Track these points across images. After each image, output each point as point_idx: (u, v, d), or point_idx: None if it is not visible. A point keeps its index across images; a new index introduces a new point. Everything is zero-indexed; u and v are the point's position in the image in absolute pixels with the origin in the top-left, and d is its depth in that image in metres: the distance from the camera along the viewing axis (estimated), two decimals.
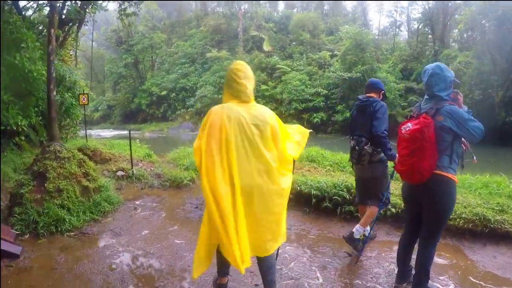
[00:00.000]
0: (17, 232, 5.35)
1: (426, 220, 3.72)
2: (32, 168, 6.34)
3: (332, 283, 4.34)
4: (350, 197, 6.52)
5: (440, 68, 3.65)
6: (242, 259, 3.03)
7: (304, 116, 35.78)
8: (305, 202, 6.87)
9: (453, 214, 5.53)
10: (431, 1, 38.68)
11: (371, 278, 4.50)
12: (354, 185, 6.41)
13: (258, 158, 3.12)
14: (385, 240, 5.68)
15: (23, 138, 10.86)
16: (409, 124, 3.61)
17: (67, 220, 5.77)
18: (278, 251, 3.73)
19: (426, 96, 3.78)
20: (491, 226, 5.44)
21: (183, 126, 38.63)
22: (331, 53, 41.60)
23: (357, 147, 5.04)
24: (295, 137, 3.59)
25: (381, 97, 5.23)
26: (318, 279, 4.42)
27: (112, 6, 30.71)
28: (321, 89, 36.76)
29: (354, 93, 33.27)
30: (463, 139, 3.70)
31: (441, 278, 4.46)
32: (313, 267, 4.74)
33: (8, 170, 8.19)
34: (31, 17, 13.50)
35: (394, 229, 5.97)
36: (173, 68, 46.98)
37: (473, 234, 5.53)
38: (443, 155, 3.51)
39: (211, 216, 2.97)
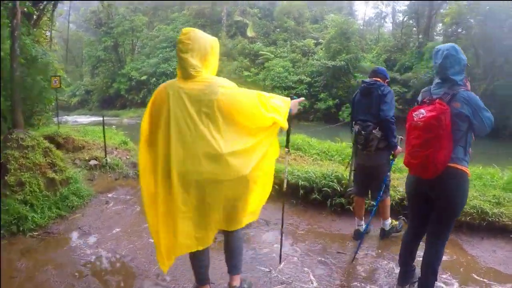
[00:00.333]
0: None
1: (437, 216, 3.41)
2: None
3: (327, 287, 3.98)
4: (341, 189, 6.15)
5: (455, 49, 3.32)
6: (164, 256, 2.91)
7: None
8: (291, 193, 6.41)
9: None
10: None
11: (370, 279, 4.19)
12: (345, 175, 6.23)
13: (203, 141, 2.72)
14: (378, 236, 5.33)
15: None
16: (422, 110, 3.22)
17: (30, 218, 5.19)
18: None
19: (437, 80, 3.42)
20: (489, 219, 5.32)
21: None
22: (315, 41, 41.41)
23: (363, 132, 4.68)
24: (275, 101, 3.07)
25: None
26: (312, 283, 4.04)
27: None
28: (304, 77, 36.61)
29: (338, 81, 33.31)
30: None
31: (444, 276, 4.22)
32: (305, 268, 4.35)
33: None
34: None
35: None
36: (154, 52, 45.89)
37: (470, 227, 5.36)
38: (457, 145, 3.20)
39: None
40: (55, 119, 13.90)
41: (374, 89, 4.74)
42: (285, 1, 47.28)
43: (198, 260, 3.23)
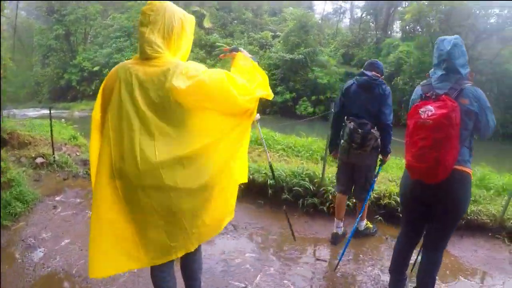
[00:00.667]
0: None
1: (439, 222, 3.13)
2: None
3: None
4: (314, 188, 5.78)
5: (460, 40, 3.06)
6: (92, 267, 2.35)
7: None
8: (258, 193, 6.04)
9: None
10: None
11: None
12: (316, 173, 5.96)
13: (152, 136, 2.21)
14: (360, 240, 4.99)
15: None
16: (429, 107, 2.83)
17: None
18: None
19: (441, 72, 3.07)
20: (468, 217, 5.32)
21: None
22: (273, 33, 41.16)
23: (360, 130, 4.30)
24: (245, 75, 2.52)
25: None
26: None
27: None
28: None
29: (295, 74, 33.17)
30: None
31: None
32: (285, 281, 3.97)
33: None
34: None
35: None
36: (107, 42, 44.22)
37: None
38: (463, 146, 2.95)
39: None
40: (4, 112, 12.97)
41: (375, 85, 4.42)
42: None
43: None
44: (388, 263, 3.77)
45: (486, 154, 13.35)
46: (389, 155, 4.63)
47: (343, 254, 4.30)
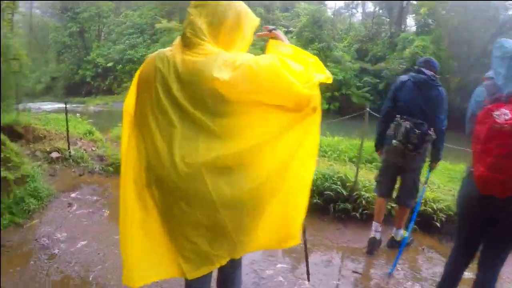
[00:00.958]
0: None
1: (503, 239, 2.78)
2: None
3: None
4: (346, 193, 5.40)
5: None
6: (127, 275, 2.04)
7: None
8: None
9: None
10: None
11: None
12: (349, 176, 5.59)
13: (193, 133, 1.85)
14: (395, 251, 4.44)
15: None
16: (504, 110, 2.41)
17: None
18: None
19: (506, 71, 2.62)
20: None
21: None
22: (286, 29, 40.56)
23: (417, 130, 3.94)
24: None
25: None
26: None
27: None
28: None
29: None
30: None
31: None
32: None
33: None
34: None
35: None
36: (121, 39, 44.53)
37: None
38: None
39: None
40: (17, 107, 12.85)
41: (433, 86, 4.14)
42: None
43: None
44: (427, 276, 3.59)
45: None
46: (438, 162, 4.37)
47: (395, 264, 4.02)
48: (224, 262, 2.03)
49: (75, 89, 44.02)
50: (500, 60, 2.66)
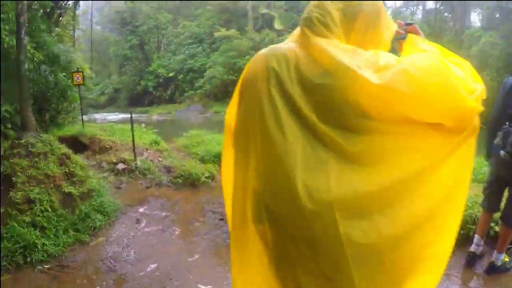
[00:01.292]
0: None
1: None
2: None
3: None
4: None
5: None
6: None
7: None
8: None
9: None
10: None
11: None
12: None
13: (322, 156, 1.33)
14: (494, 279, 3.82)
15: (9, 125, 9.06)
16: None
17: (40, 246, 3.99)
18: None
19: None
20: None
21: (192, 108, 36.65)
22: None
23: None
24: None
25: None
26: None
27: None
28: None
29: None
30: None
31: None
32: None
33: None
34: None
35: None
36: (180, 49, 45.34)
37: None
38: None
39: None
40: (81, 118, 13.03)
41: None
42: None
43: None
44: None
45: None
46: None
47: None
48: None
49: (138, 99, 45.21)
50: None
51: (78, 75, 10.98)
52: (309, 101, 1.35)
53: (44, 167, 4.60)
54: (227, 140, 1.71)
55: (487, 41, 27.75)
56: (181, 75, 42.06)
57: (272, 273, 1.49)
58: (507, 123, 3.45)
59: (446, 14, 39.53)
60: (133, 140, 7.45)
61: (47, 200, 4.36)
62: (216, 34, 42.57)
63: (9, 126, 8.99)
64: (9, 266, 3.76)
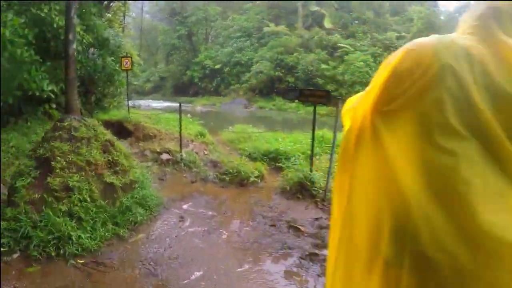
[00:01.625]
0: (2, 249, 3.43)
1: None
2: (37, 151, 4.21)
3: None
4: None
5: None
6: None
7: None
8: None
9: None
10: None
11: None
12: None
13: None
14: None
15: (53, 105, 8.86)
16: None
17: (75, 238, 3.64)
18: None
19: None
20: None
21: (236, 102, 36.26)
22: (398, 34, 38.68)
23: None
24: None
25: None
26: None
27: None
28: None
29: None
30: None
31: None
32: None
33: (22, 144, 6.09)
34: None
35: None
36: (228, 42, 45.36)
37: None
38: None
39: None
40: (126, 103, 12.89)
41: None
42: None
43: None
44: None
45: None
46: None
47: None
48: None
49: (183, 89, 45.61)
50: None
51: (127, 60, 10.86)
52: (497, 115, 1.00)
53: (86, 153, 4.25)
54: (350, 142, 1.27)
55: None
56: (228, 68, 41.94)
57: None
58: None
59: None
60: (180, 131, 7.10)
61: (86, 189, 4.01)
62: (266, 29, 42.35)
63: (54, 106, 8.84)
64: (40, 257, 3.46)
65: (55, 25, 7.12)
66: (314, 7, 43.80)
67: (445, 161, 0.98)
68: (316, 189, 5.66)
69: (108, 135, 4.80)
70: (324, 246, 4.13)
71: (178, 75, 46.97)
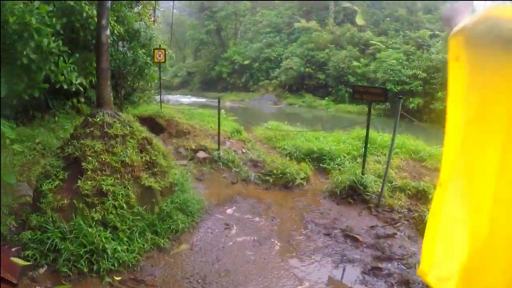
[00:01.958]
0: (26, 264, 3.00)
1: None
2: (65, 149, 3.74)
3: None
4: None
5: None
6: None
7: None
8: None
9: None
10: None
11: None
12: None
13: None
14: None
15: (82, 99, 8.50)
16: None
17: (111, 251, 3.19)
18: None
19: None
20: None
21: (265, 98, 36.21)
22: (431, 32, 37.77)
23: None
24: None
25: None
26: None
27: None
28: (420, 72, 33.02)
29: None
30: None
31: None
32: None
33: (49, 140, 5.69)
34: None
35: None
36: (257, 37, 45.01)
37: None
38: None
39: None
40: (157, 98, 12.54)
41: None
42: None
43: None
44: None
45: None
46: None
47: None
48: None
49: (211, 84, 45.59)
50: None
51: (160, 53, 10.40)
52: None
53: (122, 153, 3.78)
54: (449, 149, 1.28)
55: None
56: (257, 64, 41.63)
57: None
58: None
59: None
60: (218, 128, 6.62)
61: (122, 194, 3.54)
62: (296, 25, 42.12)
63: (82, 100, 8.47)
64: (70, 273, 3.04)
65: (84, 15, 6.73)
66: (346, 4, 43.39)
67: None
68: (368, 193, 5.11)
69: (145, 132, 4.30)
70: (385, 258, 3.70)
71: (206, 70, 46.93)
